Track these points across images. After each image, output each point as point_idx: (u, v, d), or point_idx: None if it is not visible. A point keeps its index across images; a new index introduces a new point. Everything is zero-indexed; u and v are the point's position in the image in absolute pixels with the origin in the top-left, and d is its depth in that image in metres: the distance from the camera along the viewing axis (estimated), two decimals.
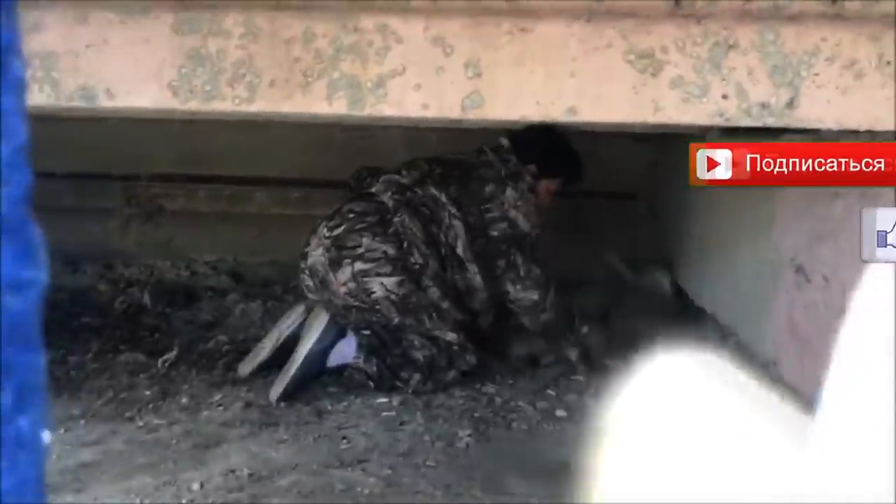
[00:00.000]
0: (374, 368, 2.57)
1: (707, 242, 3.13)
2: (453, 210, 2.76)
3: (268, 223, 3.98)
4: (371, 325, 2.65)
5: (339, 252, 2.64)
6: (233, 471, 2.00)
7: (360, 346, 2.59)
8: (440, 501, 1.90)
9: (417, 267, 2.66)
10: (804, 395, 2.19)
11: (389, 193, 2.77)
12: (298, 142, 3.91)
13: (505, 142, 2.96)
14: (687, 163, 3.40)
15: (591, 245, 3.77)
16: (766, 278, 2.46)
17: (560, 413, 2.48)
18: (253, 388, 2.56)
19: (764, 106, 1.37)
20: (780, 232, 2.39)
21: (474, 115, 1.36)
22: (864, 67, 1.37)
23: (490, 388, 2.65)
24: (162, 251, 4.02)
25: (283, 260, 3.80)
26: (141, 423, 2.28)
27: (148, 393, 2.50)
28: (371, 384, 2.57)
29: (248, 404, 2.43)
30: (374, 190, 2.81)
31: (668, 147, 3.66)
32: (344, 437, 2.24)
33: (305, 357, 2.52)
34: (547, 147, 3.02)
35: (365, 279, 2.60)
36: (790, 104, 1.37)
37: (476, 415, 2.44)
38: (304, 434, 2.24)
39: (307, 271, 2.71)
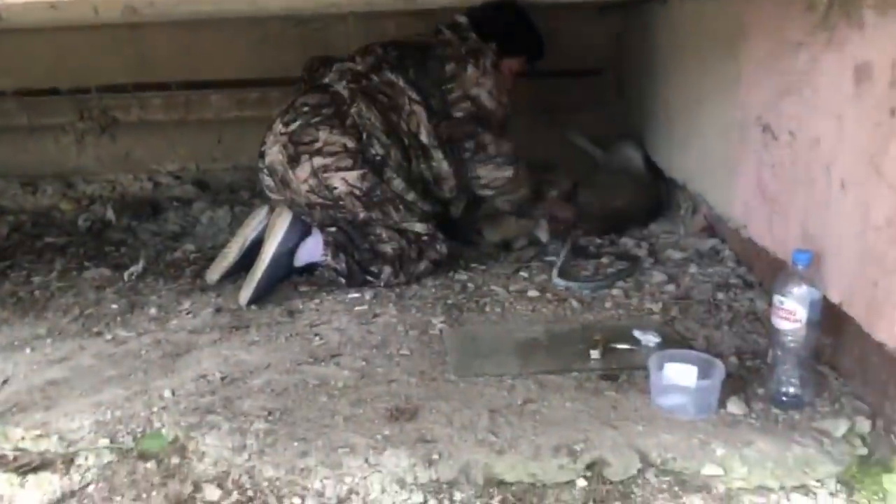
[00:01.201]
0: (344, 265, 2.52)
1: (674, 110, 3.06)
2: (413, 94, 2.65)
3: (227, 127, 3.87)
4: (337, 221, 2.58)
5: (297, 148, 2.54)
6: (204, 376, 1.98)
7: (326, 244, 2.53)
8: (413, 388, 1.89)
9: (379, 158, 2.57)
10: (773, 254, 2.18)
11: (344, 83, 2.66)
12: (251, 40, 3.75)
13: (463, 19, 2.84)
14: (648, 30, 3.30)
15: (561, 126, 3.70)
16: (734, 140, 2.41)
17: (532, 293, 2.47)
18: (222, 294, 2.53)
19: None
20: (746, 90, 2.32)
21: None
22: None
23: (462, 276, 2.63)
24: (122, 164, 3.91)
25: (247, 164, 3.71)
26: (109, 337, 2.24)
27: (115, 307, 2.45)
28: (342, 280, 2.53)
29: (217, 310, 2.40)
30: (327, 80, 2.69)
31: (632, 16, 3.54)
32: (316, 335, 2.21)
33: (272, 258, 2.47)
34: (507, 23, 2.90)
35: (326, 175, 2.52)
36: None
37: (449, 302, 2.42)
38: (276, 334, 2.22)
39: (266, 170, 2.63)
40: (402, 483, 1.58)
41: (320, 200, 2.55)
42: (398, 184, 2.60)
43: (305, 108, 2.60)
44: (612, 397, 1.85)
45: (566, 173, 3.33)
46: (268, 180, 2.63)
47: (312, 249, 2.55)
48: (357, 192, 2.53)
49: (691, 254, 2.71)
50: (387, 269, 2.53)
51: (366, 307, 2.40)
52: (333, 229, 2.57)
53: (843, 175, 1.75)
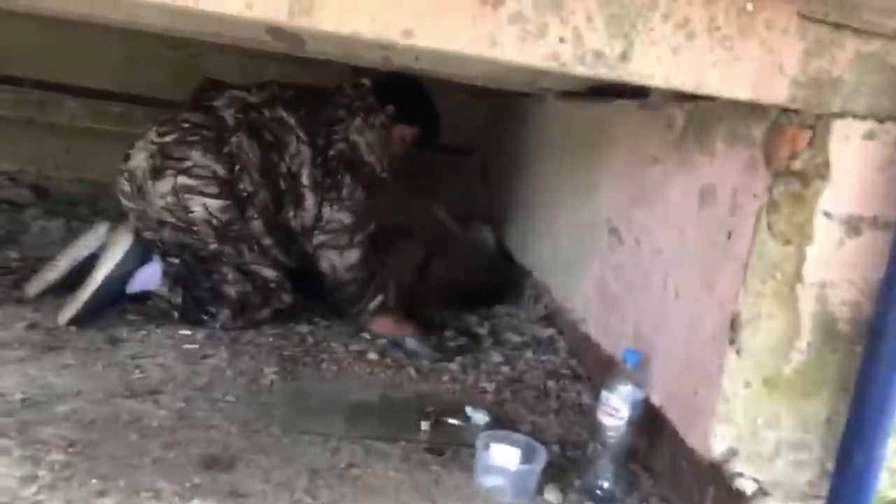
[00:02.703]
0: (180, 299, 2.40)
1: (533, 202, 3.19)
2: (301, 134, 2.58)
3: (80, 137, 3.65)
4: (183, 249, 2.47)
5: (164, 161, 2.42)
6: (2, 395, 1.80)
7: (165, 275, 2.41)
8: (233, 437, 1.80)
9: (245, 195, 2.49)
10: (606, 351, 2.28)
11: (232, 111, 2.56)
12: (122, 52, 3.60)
13: (367, 82, 2.83)
14: (519, 122, 3.44)
15: (422, 196, 3.76)
16: (584, 240, 2.53)
17: (372, 356, 2.44)
18: (41, 310, 2.33)
19: (598, 55, 1.36)
20: (603, 194, 2.45)
21: (302, 22, 1.25)
22: (695, 29, 1.39)
23: (304, 328, 2.57)
24: None
25: (95, 178, 3.51)
26: None
27: None
28: (175, 314, 2.40)
29: (32, 325, 2.21)
30: (216, 104, 2.59)
31: (503, 106, 3.69)
32: (137, 367, 2.08)
33: (104, 280, 2.31)
34: (407, 93, 2.89)
35: (187, 196, 2.41)
36: (624, 56, 1.36)
37: (285, 353, 2.35)
38: (93, 361, 2.06)
39: (126, 174, 2.49)
40: None
41: (173, 220, 2.43)
42: (257, 225, 2.52)
43: (185, 125, 2.49)
44: (436, 472, 1.84)
45: (421, 243, 3.37)
46: (125, 185, 2.50)
47: (149, 277, 2.42)
48: (214, 221, 2.43)
49: (529, 339, 2.79)
50: (225, 312, 2.44)
51: (196, 346, 2.28)
52: (176, 261, 2.45)
53: (678, 285, 1.87)
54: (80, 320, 2.26)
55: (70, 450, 1.63)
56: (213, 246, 2.46)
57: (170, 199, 2.41)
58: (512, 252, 3.36)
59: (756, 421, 1.59)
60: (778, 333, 1.57)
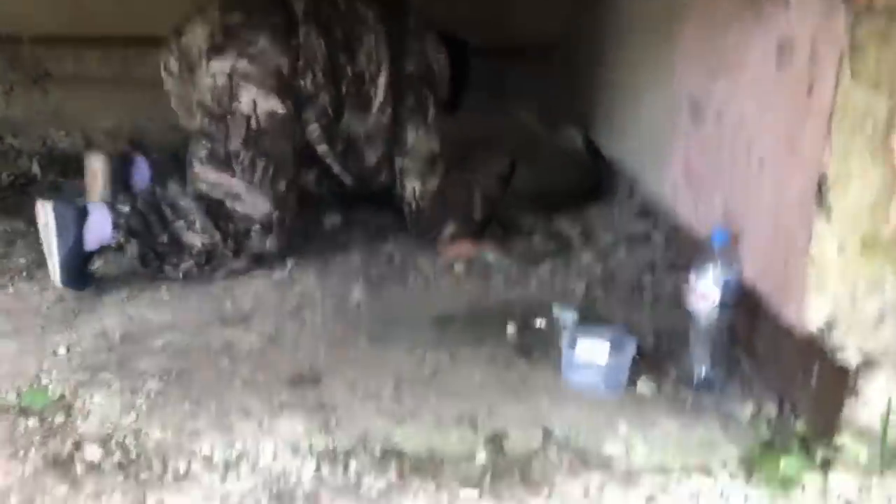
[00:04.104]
0: (136, 250, 2.14)
1: (616, 94, 3.03)
2: (380, 33, 2.36)
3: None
4: (135, 198, 2.18)
5: (226, 40, 2.22)
6: (104, 333, 1.90)
7: (116, 227, 2.12)
8: (321, 355, 1.84)
9: (306, 96, 2.28)
10: (698, 236, 2.16)
11: (303, 3, 2.33)
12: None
13: None
14: (598, 15, 3.26)
15: (507, 103, 3.66)
16: (665, 122, 2.38)
17: (458, 269, 2.42)
18: None
19: None
20: (679, 72, 2.29)
21: None
22: None
23: (389, 246, 2.57)
24: (52, 119, 3.77)
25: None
26: (11, 291, 2.15)
27: (23, 260, 2.35)
28: (137, 263, 2.17)
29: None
30: None
31: (582, 2, 3.51)
32: (229, 298, 2.14)
33: (63, 259, 2.09)
34: (456, 50, 2.64)
35: (242, 83, 2.20)
36: None
37: (373, 272, 2.36)
38: (188, 295, 2.14)
39: (176, 50, 2.33)
40: (295, 449, 1.52)
41: (213, 105, 2.23)
42: (314, 130, 2.34)
43: (252, 4, 2.29)
44: (523, 371, 1.81)
45: (505, 151, 3.28)
46: (172, 62, 2.36)
47: (99, 228, 2.12)
48: (253, 122, 2.21)
49: (622, 236, 2.69)
50: (188, 263, 2.19)
51: (286, 273, 2.32)
52: (127, 209, 2.14)
53: (762, 153, 1.73)
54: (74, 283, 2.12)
55: (164, 378, 1.70)
56: (234, 146, 2.22)
57: (221, 81, 2.22)
58: (601, 149, 3.23)
59: (855, 287, 1.46)
60: (872, 191, 1.42)
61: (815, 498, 1.45)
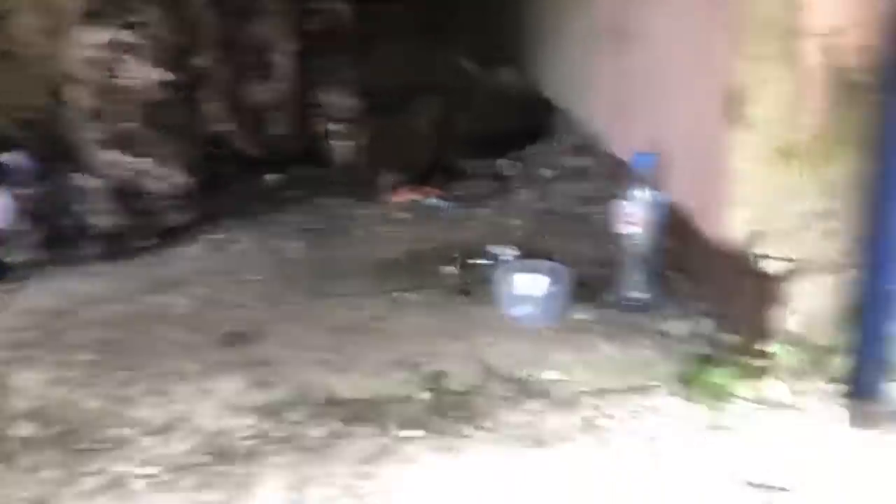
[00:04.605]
0: (42, 235, 2.04)
1: (547, 33, 3.01)
2: None
3: None
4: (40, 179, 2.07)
5: (106, 5, 2.05)
6: (32, 310, 1.86)
7: (21, 212, 2.01)
8: (258, 312, 1.82)
9: (200, 72, 2.20)
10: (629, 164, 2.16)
11: None
12: None
13: None
14: None
15: (444, 48, 3.60)
16: (589, 53, 2.37)
17: (401, 215, 2.40)
18: None
19: None
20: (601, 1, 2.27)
21: None
22: None
23: (330, 200, 2.53)
24: None
25: None
26: None
27: None
28: (41, 249, 2.05)
29: None
30: None
31: None
32: (164, 264, 2.10)
33: None
34: None
35: (125, 56, 2.03)
36: None
37: (313, 227, 2.33)
38: (118, 265, 2.09)
39: (45, 7, 2.16)
40: (233, 407, 1.51)
41: (92, 79, 2.05)
42: (214, 109, 2.27)
43: None
44: (464, 311, 1.82)
45: (442, 96, 3.24)
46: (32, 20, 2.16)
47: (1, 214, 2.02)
48: (147, 96, 2.07)
49: (561, 171, 2.69)
50: (95, 246, 2.07)
51: (222, 235, 2.28)
52: (30, 191, 2.04)
53: (679, 73, 1.73)
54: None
55: (97, 349, 1.67)
56: (130, 124, 2.09)
57: (101, 53, 2.02)
58: (540, 90, 3.20)
59: (776, 197, 1.47)
60: (786, 98, 1.42)
61: (750, 406, 1.48)
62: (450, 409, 1.51)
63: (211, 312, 1.83)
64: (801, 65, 1.40)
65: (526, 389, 1.56)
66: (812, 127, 1.43)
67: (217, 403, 1.51)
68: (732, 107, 1.45)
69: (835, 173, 1.45)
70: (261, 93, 2.34)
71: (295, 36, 2.36)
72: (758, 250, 1.51)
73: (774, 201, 1.48)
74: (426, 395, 1.55)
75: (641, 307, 1.76)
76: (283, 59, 2.36)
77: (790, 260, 1.50)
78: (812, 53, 1.40)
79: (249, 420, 1.48)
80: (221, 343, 1.69)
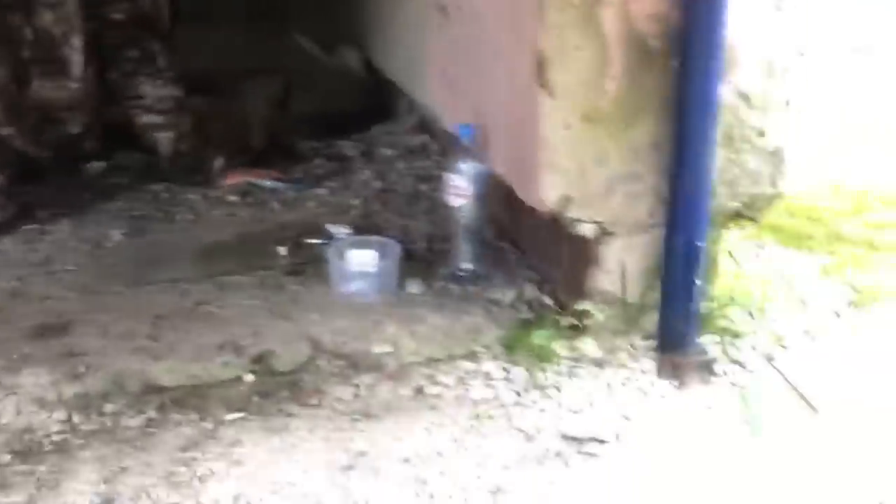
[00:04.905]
0: None
1: (384, 10, 2.99)
2: None
3: None
4: None
5: None
6: None
7: None
8: (71, 303, 1.71)
9: None
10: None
11: None
12: None
13: None
14: None
15: (283, 27, 3.53)
16: (420, 29, 2.37)
17: (232, 198, 2.32)
18: None
19: None
20: None
21: None
22: None
23: (156, 187, 2.41)
24: None
25: None
26: None
27: None
28: None
29: None
30: None
31: None
32: None
33: None
34: None
35: None
36: None
37: (135, 213, 2.21)
38: None
39: None
40: (41, 402, 1.42)
41: None
42: None
43: None
44: (294, 291, 1.78)
45: (280, 75, 3.17)
46: None
47: None
48: None
49: (401, 150, 2.68)
50: None
51: (34, 227, 2.13)
52: None
53: (496, 45, 1.75)
54: None
55: None
56: None
57: None
58: (381, 70, 3.19)
59: (584, 162, 1.52)
60: (588, 65, 1.47)
61: (568, 364, 1.53)
62: (276, 389, 1.49)
63: (19, 306, 1.71)
64: (600, 32, 1.45)
65: (355, 363, 1.56)
66: (614, 93, 1.48)
67: (23, 399, 1.41)
68: (539, 72, 1.49)
69: (637, 137, 1.51)
70: (50, 90, 2.15)
71: (92, 28, 2.17)
72: (571, 214, 1.56)
73: (583, 166, 1.53)
74: (250, 378, 1.51)
75: (471, 278, 1.78)
76: (74, 53, 2.15)
77: (600, 223, 1.55)
78: (610, 20, 1.45)
79: (59, 413, 1.40)
80: (29, 336, 1.59)
